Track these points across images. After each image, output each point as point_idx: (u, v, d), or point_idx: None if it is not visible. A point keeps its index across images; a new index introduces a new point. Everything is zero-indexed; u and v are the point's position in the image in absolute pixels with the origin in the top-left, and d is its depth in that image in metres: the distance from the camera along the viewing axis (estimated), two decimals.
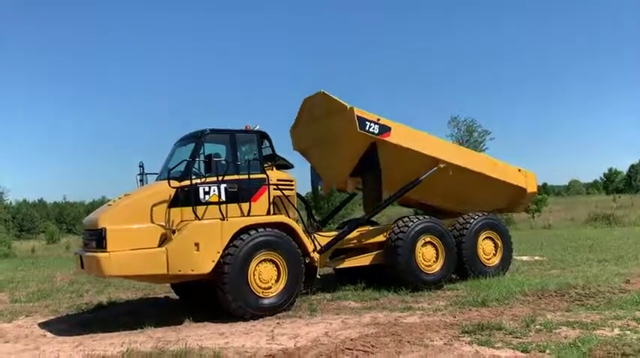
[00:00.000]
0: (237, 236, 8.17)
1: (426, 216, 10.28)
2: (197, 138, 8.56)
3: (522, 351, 5.84)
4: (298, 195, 10.30)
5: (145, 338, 7.28)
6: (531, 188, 11.76)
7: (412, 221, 10.03)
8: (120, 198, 8.38)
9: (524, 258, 14.91)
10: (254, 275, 8.19)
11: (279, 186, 9.02)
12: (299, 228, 8.93)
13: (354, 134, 9.55)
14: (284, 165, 9.67)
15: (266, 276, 8.30)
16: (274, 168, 9.24)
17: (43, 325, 8.65)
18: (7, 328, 8.51)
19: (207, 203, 8.20)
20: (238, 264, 8.00)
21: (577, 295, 8.60)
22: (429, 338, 6.58)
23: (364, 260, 10.22)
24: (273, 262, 8.40)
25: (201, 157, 8.28)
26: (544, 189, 71.69)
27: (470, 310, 8.15)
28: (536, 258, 14.88)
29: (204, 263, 7.90)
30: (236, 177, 8.51)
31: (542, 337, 6.35)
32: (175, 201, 8.04)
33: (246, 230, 8.28)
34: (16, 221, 58.77)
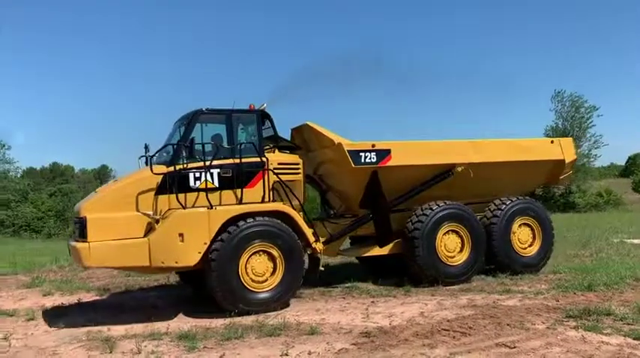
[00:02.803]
0: (228, 225, 7.51)
1: (449, 202, 9.23)
2: (189, 119, 7.98)
3: (635, 338, 5.48)
4: (311, 179, 9.66)
5: (246, 314, 7.59)
6: (569, 156, 10.44)
7: (433, 207, 9.10)
8: (108, 185, 8.05)
9: (636, 241, 13.88)
10: (246, 267, 7.52)
11: (281, 170, 8.28)
12: (299, 217, 8.13)
13: (350, 170, 8.78)
14: (289, 147, 8.92)
15: (260, 269, 7.60)
16: (276, 151, 8.54)
17: (154, 297, 9.31)
18: (123, 299, 9.25)
19: (199, 189, 7.63)
20: (228, 255, 7.37)
21: None
22: (530, 322, 6.34)
23: (382, 249, 9.33)
24: (269, 254, 7.69)
25: (197, 139, 7.78)
26: None
27: (575, 294, 7.75)
28: None
29: (189, 254, 7.33)
30: (230, 161, 7.88)
31: None
32: (163, 188, 7.51)
33: (238, 219, 7.59)
34: None
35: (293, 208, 8.20)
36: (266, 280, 7.67)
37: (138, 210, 7.39)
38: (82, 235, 7.23)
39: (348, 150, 8.65)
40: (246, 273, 7.53)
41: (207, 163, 7.68)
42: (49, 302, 9.33)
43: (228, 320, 7.05)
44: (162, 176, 7.51)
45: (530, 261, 9.73)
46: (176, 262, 7.36)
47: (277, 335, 6.32)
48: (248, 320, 7.09)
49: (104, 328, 7.17)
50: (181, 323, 7.21)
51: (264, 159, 8.06)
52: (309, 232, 8.21)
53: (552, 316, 6.57)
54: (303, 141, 9.50)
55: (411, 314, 7.11)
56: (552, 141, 10.54)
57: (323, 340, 6.04)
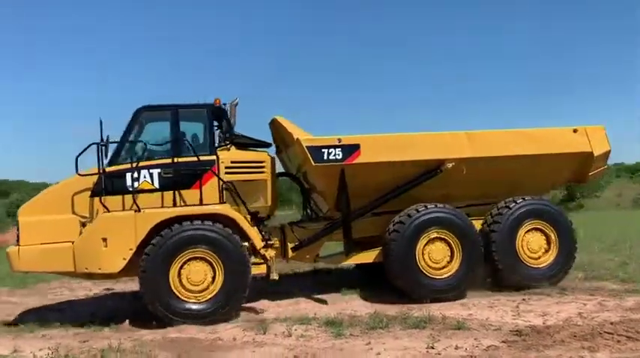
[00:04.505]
0: (160, 229, 7.03)
1: (432, 205, 7.92)
2: (131, 117, 7.55)
3: None
4: (293, 178, 9.03)
5: (390, 305, 7.62)
6: (599, 148, 8.58)
7: (416, 210, 7.86)
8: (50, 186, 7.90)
9: None
10: (180, 275, 7.02)
11: (235, 170, 7.61)
12: (243, 220, 7.44)
13: (313, 168, 7.85)
14: (253, 144, 8.13)
15: (197, 278, 7.05)
16: (232, 148, 7.87)
17: (310, 283, 9.68)
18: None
19: (137, 191, 7.21)
20: (157, 262, 6.90)
21: None
22: None
23: (366, 257, 8.29)
24: (208, 261, 7.12)
25: (137, 137, 7.50)
26: None
27: None
28: None
29: (112, 261, 6.97)
30: (170, 160, 7.38)
31: None
32: (98, 190, 7.20)
33: (171, 223, 7.08)
34: None
35: (248, 210, 7.68)
36: (204, 289, 7.10)
37: (74, 213, 7.21)
38: (17, 238, 7.17)
39: (307, 146, 7.73)
40: (180, 282, 7.03)
41: (135, 164, 7.31)
42: None
43: (373, 310, 7.14)
44: (96, 177, 7.24)
45: (543, 273, 8.15)
46: (99, 268, 7.04)
47: (422, 327, 6.26)
48: (392, 310, 7.11)
49: (258, 310, 7.71)
50: (328, 310, 7.44)
51: (208, 157, 7.47)
52: (256, 237, 7.54)
53: None
54: (280, 137, 8.75)
55: (567, 314, 6.62)
56: (576, 131, 8.54)
57: (470, 335, 5.86)
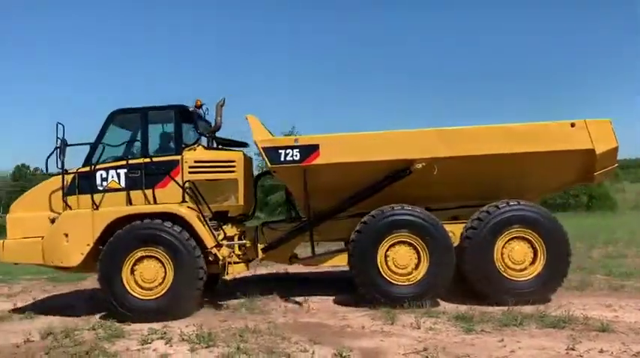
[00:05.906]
0: (116, 227, 7.27)
1: (398, 206, 7.31)
2: (105, 121, 7.79)
3: None
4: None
5: (525, 302, 7.24)
6: (603, 144, 7.31)
7: (380, 212, 7.30)
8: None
9: None
10: (133, 273, 7.20)
11: (201, 169, 7.60)
12: (194, 219, 7.37)
13: (275, 170, 7.58)
14: (227, 144, 8.18)
15: (149, 275, 7.17)
16: (199, 148, 7.86)
17: None
18: None
19: (105, 190, 7.55)
20: (110, 259, 7.16)
21: None
22: None
23: (340, 260, 7.95)
24: (158, 259, 7.20)
25: (109, 141, 7.67)
26: None
27: None
28: None
29: (72, 255, 7.32)
30: (141, 160, 7.58)
31: None
32: (72, 189, 7.61)
33: (126, 220, 7.29)
34: None
35: (210, 210, 7.62)
36: (157, 287, 7.22)
37: (51, 210, 7.68)
38: (6, 232, 7.80)
39: (263, 148, 7.48)
40: (133, 280, 7.22)
41: (92, 167, 7.61)
42: (338, 271, 10.40)
43: (506, 307, 6.85)
44: (71, 176, 7.63)
45: (527, 286, 7.20)
46: (61, 262, 7.43)
47: (561, 327, 5.91)
48: (527, 308, 6.77)
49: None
50: (457, 304, 7.28)
51: (172, 158, 7.62)
52: (207, 236, 7.39)
53: None
54: None
55: None
56: (573, 125, 7.38)
57: (617, 339, 5.44)
